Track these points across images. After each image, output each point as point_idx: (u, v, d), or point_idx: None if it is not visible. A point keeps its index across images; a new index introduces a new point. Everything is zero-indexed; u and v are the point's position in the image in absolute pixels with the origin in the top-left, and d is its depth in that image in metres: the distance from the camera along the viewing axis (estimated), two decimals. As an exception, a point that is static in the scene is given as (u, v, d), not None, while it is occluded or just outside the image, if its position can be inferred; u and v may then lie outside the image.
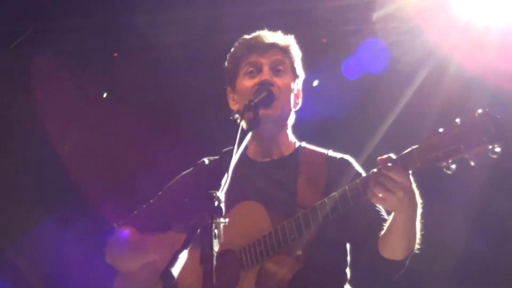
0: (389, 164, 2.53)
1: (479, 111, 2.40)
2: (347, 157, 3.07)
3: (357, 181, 2.65)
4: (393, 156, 2.57)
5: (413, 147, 2.52)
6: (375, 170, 2.58)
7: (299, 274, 2.79)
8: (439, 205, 5.53)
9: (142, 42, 5.89)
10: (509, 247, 5.56)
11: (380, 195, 2.55)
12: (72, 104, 6.05)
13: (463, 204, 5.42)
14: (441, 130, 2.46)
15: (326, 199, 2.69)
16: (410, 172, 2.56)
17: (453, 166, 2.45)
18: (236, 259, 2.84)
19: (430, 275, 5.48)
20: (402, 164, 2.54)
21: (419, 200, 2.70)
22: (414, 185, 2.63)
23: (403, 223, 2.68)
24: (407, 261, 2.85)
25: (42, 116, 6.01)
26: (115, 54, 6.08)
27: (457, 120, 2.44)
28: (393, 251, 2.79)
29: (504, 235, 5.54)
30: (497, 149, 2.36)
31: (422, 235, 2.84)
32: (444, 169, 2.46)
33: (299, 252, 2.78)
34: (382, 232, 2.79)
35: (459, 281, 5.55)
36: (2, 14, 5.56)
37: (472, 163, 2.41)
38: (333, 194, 2.68)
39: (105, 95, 6.35)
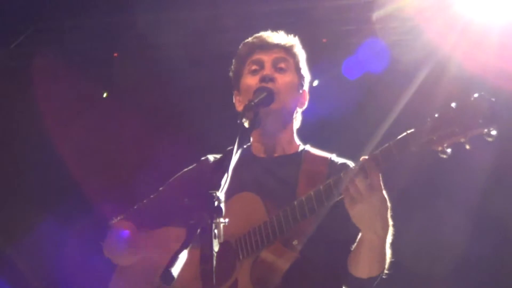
0: (350, 169, 2.57)
1: (475, 95, 2.40)
2: (350, 162, 3.06)
3: (352, 168, 2.65)
4: (365, 157, 2.57)
5: (408, 131, 2.52)
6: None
7: (296, 266, 2.78)
8: (439, 205, 5.54)
9: (142, 42, 5.89)
10: (509, 247, 5.56)
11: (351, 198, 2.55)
12: (72, 104, 6.05)
13: (463, 204, 5.42)
14: (436, 114, 2.46)
15: (321, 186, 2.67)
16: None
17: (449, 151, 2.42)
18: (232, 249, 2.84)
19: (429, 276, 5.49)
20: (383, 158, 2.53)
21: (390, 222, 2.68)
22: (387, 203, 2.62)
23: (369, 241, 2.66)
24: (373, 284, 2.80)
25: (42, 116, 6.01)
26: (115, 54, 6.08)
27: (453, 104, 2.43)
28: (356, 267, 2.77)
29: (504, 235, 5.54)
30: (493, 132, 2.33)
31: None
32: (440, 154, 2.44)
33: (295, 242, 2.77)
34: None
35: (459, 281, 5.55)
36: (2, 14, 5.56)
37: (468, 147, 2.38)
38: (328, 181, 2.67)
39: (105, 95, 6.35)
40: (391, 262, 2.89)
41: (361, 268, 2.76)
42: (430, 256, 5.48)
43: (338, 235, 2.83)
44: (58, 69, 5.93)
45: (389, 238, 2.73)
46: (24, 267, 6.03)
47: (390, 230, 2.71)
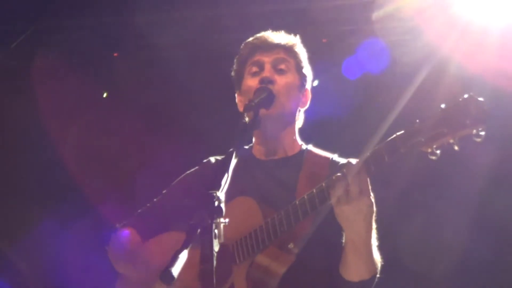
0: (339, 174, 2.56)
1: (465, 95, 2.40)
2: None
3: (344, 170, 2.65)
4: (352, 161, 2.59)
5: (397, 133, 2.52)
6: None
7: (293, 269, 2.78)
8: (439, 205, 5.54)
9: (142, 42, 5.89)
10: (509, 247, 5.56)
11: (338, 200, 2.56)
12: (72, 104, 6.05)
13: (463, 204, 5.42)
14: (425, 116, 2.47)
15: (314, 190, 2.68)
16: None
17: (438, 152, 2.42)
18: (229, 253, 2.84)
19: (429, 275, 5.48)
20: (373, 161, 2.54)
21: (374, 225, 2.68)
22: (373, 207, 2.62)
23: (352, 242, 2.67)
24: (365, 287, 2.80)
25: (42, 116, 6.01)
26: (115, 54, 6.08)
27: (442, 105, 2.44)
28: (345, 270, 2.77)
29: (504, 235, 5.54)
30: (481, 133, 2.34)
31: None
32: (429, 155, 2.44)
33: (291, 245, 2.77)
34: None
35: (459, 281, 5.55)
36: (2, 14, 5.56)
37: (456, 148, 2.39)
38: (320, 184, 2.67)
39: (105, 95, 6.35)
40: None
41: (350, 271, 2.76)
42: (430, 256, 5.48)
43: (334, 237, 2.82)
44: (58, 69, 5.93)
45: (374, 241, 2.73)
46: (24, 267, 6.03)
47: (374, 234, 2.71)
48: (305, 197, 2.69)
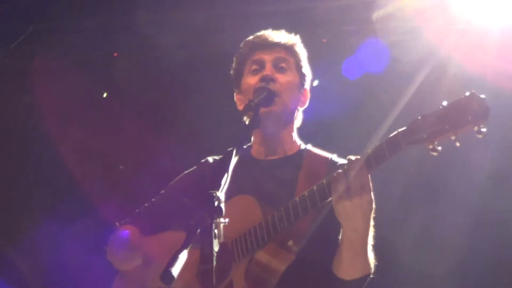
0: (340, 170, 2.57)
1: (466, 93, 2.41)
2: None
3: (344, 167, 2.65)
4: (352, 157, 2.59)
5: (399, 129, 2.53)
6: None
7: (293, 267, 2.78)
8: (439, 205, 5.54)
9: (142, 42, 5.89)
10: (509, 247, 5.56)
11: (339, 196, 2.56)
12: (72, 104, 6.05)
13: (463, 204, 5.42)
14: (426, 112, 2.48)
15: (314, 187, 2.68)
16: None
17: (439, 148, 2.44)
18: (228, 251, 2.84)
19: (429, 275, 5.49)
20: (374, 158, 2.54)
21: (372, 222, 2.68)
22: (373, 204, 2.62)
23: (349, 239, 2.67)
24: (357, 287, 2.79)
25: (42, 116, 6.01)
26: (115, 54, 6.09)
27: (444, 102, 2.45)
28: (338, 267, 2.76)
29: (504, 235, 5.55)
30: (483, 129, 2.35)
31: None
32: (430, 152, 2.45)
33: (291, 243, 2.77)
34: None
35: (459, 281, 5.55)
36: (2, 14, 5.56)
37: (458, 144, 2.40)
38: (321, 181, 2.67)
39: (105, 95, 6.35)
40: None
41: (342, 268, 2.75)
42: (430, 255, 5.48)
43: (334, 236, 2.82)
44: (58, 69, 5.93)
45: (370, 240, 2.72)
46: (24, 267, 6.03)
47: (371, 232, 2.71)
48: (305, 194, 2.70)
